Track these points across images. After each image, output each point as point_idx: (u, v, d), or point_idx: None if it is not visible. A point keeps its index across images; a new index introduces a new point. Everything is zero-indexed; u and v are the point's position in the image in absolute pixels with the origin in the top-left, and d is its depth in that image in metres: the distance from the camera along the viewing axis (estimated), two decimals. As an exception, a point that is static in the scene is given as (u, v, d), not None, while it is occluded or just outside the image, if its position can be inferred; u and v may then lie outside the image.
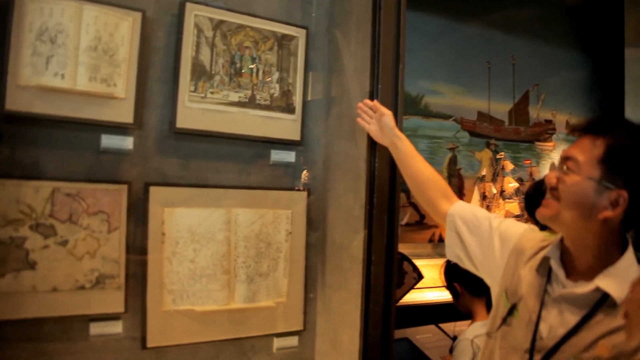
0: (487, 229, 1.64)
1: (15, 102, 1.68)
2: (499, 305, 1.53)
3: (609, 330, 1.28)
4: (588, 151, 1.33)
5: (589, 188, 1.30)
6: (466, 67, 4.50)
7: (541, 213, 1.41)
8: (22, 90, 1.69)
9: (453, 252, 1.76)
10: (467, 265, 1.73)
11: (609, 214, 1.28)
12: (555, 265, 1.42)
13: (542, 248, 1.49)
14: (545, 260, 1.45)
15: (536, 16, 5.00)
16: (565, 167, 1.37)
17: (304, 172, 2.22)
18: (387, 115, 1.89)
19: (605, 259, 1.33)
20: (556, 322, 1.36)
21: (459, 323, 3.10)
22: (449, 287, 2.73)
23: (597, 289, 1.31)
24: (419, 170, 1.84)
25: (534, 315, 1.41)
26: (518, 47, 4.90)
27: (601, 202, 1.29)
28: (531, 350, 1.38)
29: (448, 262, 2.72)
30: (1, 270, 1.67)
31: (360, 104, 1.98)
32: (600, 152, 1.30)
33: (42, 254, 1.72)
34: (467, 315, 2.66)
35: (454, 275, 2.67)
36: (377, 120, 1.92)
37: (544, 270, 1.45)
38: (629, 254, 1.34)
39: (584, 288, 1.34)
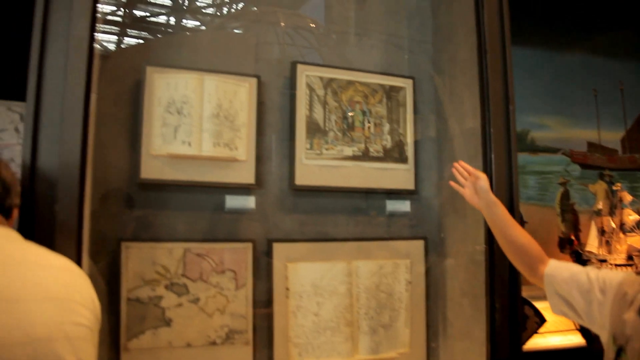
0: (586, 282, 1.61)
1: (149, 171, 1.82)
2: (609, 350, 1.50)
3: None
4: None
5: None
6: (571, 97, 4.34)
7: None
8: (154, 159, 1.82)
9: (558, 309, 1.72)
10: (573, 318, 1.69)
11: None
12: None
13: None
14: None
15: (638, 38, 4.77)
16: None
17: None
18: (482, 178, 1.86)
19: None
20: None
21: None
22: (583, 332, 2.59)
23: None
24: (516, 237, 1.80)
25: None
26: (624, 71, 4.67)
27: None
28: None
29: None
30: (141, 327, 1.78)
31: (455, 165, 1.95)
32: None
33: (176, 311, 1.82)
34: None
35: None
36: (473, 183, 1.88)
37: None
38: None
39: None
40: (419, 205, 2.20)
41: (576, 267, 1.72)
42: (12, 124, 2.29)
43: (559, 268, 1.73)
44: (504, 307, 1.94)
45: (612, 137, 4.54)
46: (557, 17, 4.32)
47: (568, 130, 4.30)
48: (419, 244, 2.15)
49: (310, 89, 2.04)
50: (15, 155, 2.34)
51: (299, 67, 2.02)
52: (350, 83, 2.10)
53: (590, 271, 1.65)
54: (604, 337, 1.59)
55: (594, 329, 1.65)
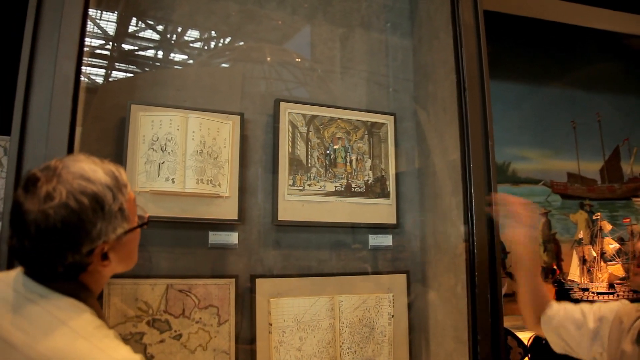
0: (581, 318, 1.64)
1: (132, 207, 1.82)
2: None
3: None
4: None
5: None
6: (551, 130, 4.42)
7: (634, 281, 1.43)
8: (137, 195, 1.83)
9: (560, 347, 1.74)
10: (576, 354, 1.71)
11: None
12: None
13: (639, 318, 1.49)
14: None
15: (616, 70, 4.89)
16: None
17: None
18: None
19: None
20: None
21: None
22: None
23: None
24: None
25: None
26: (602, 103, 4.77)
27: None
28: None
29: None
30: (122, 365, 1.76)
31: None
32: None
33: (158, 347, 1.81)
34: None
35: None
36: None
37: None
38: None
39: None
40: (401, 239, 2.23)
41: (570, 306, 1.76)
42: (-4, 159, 2.29)
43: (556, 309, 1.76)
44: (486, 338, 1.95)
45: (592, 168, 4.61)
46: (536, 51, 4.43)
47: (548, 161, 4.38)
48: (402, 278, 2.17)
49: (293, 125, 2.07)
50: (-1, 189, 2.33)
51: (282, 104, 2.06)
52: (332, 120, 2.14)
53: (584, 306, 1.69)
54: None
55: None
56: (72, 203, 1.03)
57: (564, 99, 4.55)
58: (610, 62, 4.88)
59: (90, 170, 1.09)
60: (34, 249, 1.03)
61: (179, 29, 2.12)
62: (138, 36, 2.08)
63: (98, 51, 2.02)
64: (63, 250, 1.05)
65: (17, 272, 1.12)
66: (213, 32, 2.15)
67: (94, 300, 1.15)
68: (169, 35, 2.11)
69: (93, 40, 1.97)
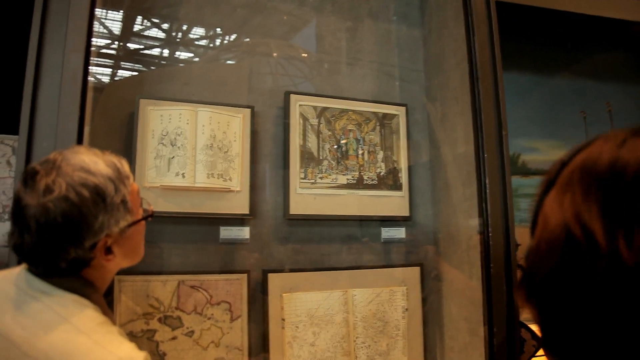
0: None
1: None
2: None
3: None
4: None
5: None
6: (560, 120, 4.38)
7: None
8: (147, 191, 1.81)
9: None
10: None
11: None
12: None
13: None
14: None
15: (625, 58, 4.84)
16: None
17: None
18: None
19: None
20: None
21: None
22: None
23: None
24: None
25: None
26: (611, 92, 4.72)
27: None
28: None
29: None
30: (135, 362, 1.74)
31: None
32: None
33: (170, 345, 1.79)
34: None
35: None
36: None
37: None
38: None
39: None
40: (414, 232, 2.20)
41: None
42: (5, 157, 2.28)
43: None
44: (501, 331, 1.92)
45: (602, 158, 4.55)
46: (544, 41, 4.38)
47: (558, 152, 4.32)
48: (415, 271, 2.14)
49: (304, 118, 2.04)
50: (7, 188, 2.32)
51: (292, 97, 2.03)
52: (343, 112, 2.11)
53: None
54: None
55: None
56: (72, 196, 1.01)
57: (573, 89, 4.51)
58: (619, 51, 4.84)
59: (90, 162, 1.07)
60: (34, 244, 1.01)
61: (185, 27, 2.09)
62: (143, 35, 2.06)
63: (104, 50, 1.99)
64: (64, 245, 1.03)
65: (20, 269, 1.10)
66: (219, 29, 2.13)
67: (98, 296, 1.13)
68: (174, 34, 2.09)
69: (99, 40, 1.95)
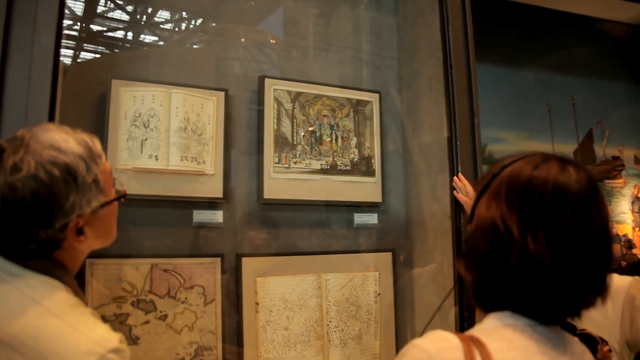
0: None
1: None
2: (623, 357, 1.57)
3: None
4: None
5: None
6: (527, 112, 4.46)
7: None
8: (120, 173, 1.78)
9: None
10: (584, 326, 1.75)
11: None
12: None
13: None
14: None
15: (590, 54, 4.95)
16: None
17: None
18: None
19: None
20: None
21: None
22: None
23: None
24: None
25: None
26: (576, 86, 4.82)
27: None
28: None
29: None
30: (107, 347, 1.72)
31: (455, 179, 1.97)
32: None
33: (143, 329, 1.78)
34: None
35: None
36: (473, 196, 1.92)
37: None
38: None
39: None
40: (386, 218, 2.23)
41: None
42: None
43: None
44: (471, 315, 1.96)
45: (566, 150, 4.66)
46: (511, 35, 4.45)
47: (524, 143, 4.41)
48: (387, 256, 2.17)
49: (278, 102, 2.04)
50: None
51: (267, 81, 2.02)
52: (317, 97, 2.11)
53: None
54: (613, 342, 1.62)
55: (605, 336, 1.69)
56: (41, 174, 0.97)
57: (540, 81, 4.59)
58: (585, 47, 4.94)
59: (61, 139, 1.03)
60: (2, 224, 0.98)
61: (153, 8, 2.06)
62: (107, 17, 2.02)
63: (67, 32, 1.94)
64: (34, 226, 0.99)
65: None
66: (194, 9, 2.10)
67: (70, 277, 1.09)
68: (138, 16, 2.06)
69: (66, 20, 1.90)
